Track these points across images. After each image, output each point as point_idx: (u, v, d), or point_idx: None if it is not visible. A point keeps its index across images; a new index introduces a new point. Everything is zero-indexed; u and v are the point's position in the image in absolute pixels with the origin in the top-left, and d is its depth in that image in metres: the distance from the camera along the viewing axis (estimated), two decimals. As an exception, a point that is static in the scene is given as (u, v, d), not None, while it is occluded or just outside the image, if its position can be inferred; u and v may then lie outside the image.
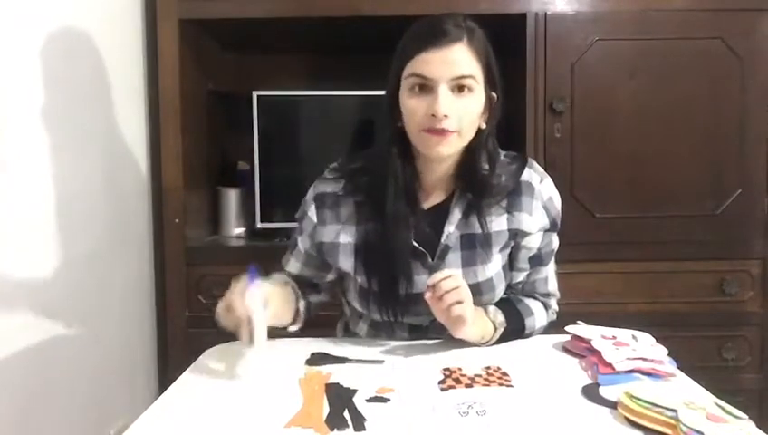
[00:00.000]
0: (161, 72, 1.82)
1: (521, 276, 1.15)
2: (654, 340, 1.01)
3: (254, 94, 1.96)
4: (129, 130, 1.79)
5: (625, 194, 1.84)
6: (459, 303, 0.97)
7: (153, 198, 1.91)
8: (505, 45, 1.93)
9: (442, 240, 1.09)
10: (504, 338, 1.09)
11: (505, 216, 1.10)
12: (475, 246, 1.09)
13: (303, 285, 1.20)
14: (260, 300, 0.92)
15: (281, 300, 1.07)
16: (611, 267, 1.85)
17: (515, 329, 1.11)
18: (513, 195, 1.10)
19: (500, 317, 1.09)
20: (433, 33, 1.00)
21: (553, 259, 1.18)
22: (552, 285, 1.19)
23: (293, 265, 1.21)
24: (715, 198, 1.84)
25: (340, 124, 2.01)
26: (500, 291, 1.13)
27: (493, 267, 1.10)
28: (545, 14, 1.81)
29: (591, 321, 1.09)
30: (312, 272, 1.20)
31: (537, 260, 1.15)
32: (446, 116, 0.99)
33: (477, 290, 1.08)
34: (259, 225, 1.99)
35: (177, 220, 1.85)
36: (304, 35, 2.08)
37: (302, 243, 1.18)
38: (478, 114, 1.05)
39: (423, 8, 1.58)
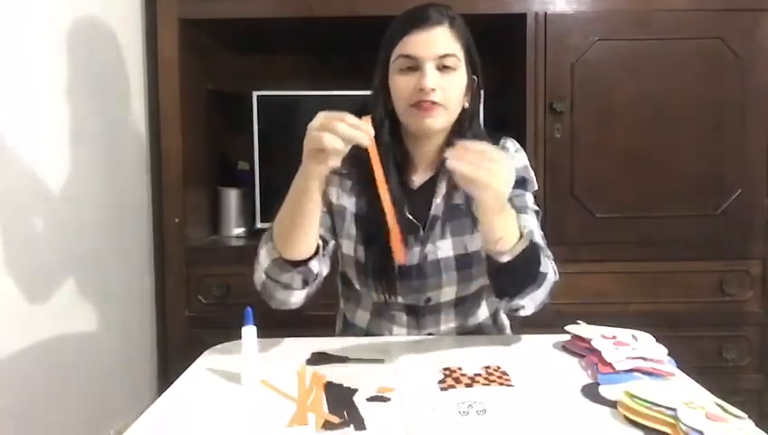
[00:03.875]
0: (161, 72, 1.82)
1: None
2: (654, 340, 1.01)
3: (254, 94, 1.97)
4: (129, 130, 1.80)
5: (625, 194, 1.84)
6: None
7: (153, 197, 1.91)
8: (505, 45, 1.96)
9: (431, 211, 1.13)
10: (520, 267, 0.97)
11: None
12: (461, 216, 1.13)
13: None
14: (253, 341, 0.93)
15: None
16: (611, 267, 1.86)
17: (533, 259, 0.99)
18: None
19: (527, 229, 0.99)
20: (417, 17, 1.08)
21: (535, 219, 1.12)
22: (538, 241, 1.07)
23: None
24: (715, 198, 1.84)
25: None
26: None
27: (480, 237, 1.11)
28: (545, 14, 1.81)
29: (591, 321, 1.09)
30: (321, 231, 1.13)
31: None
32: (432, 90, 1.05)
33: (467, 262, 1.12)
34: (259, 225, 1.99)
35: (177, 220, 1.85)
36: (304, 35, 2.08)
37: None
38: (462, 91, 1.10)
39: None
